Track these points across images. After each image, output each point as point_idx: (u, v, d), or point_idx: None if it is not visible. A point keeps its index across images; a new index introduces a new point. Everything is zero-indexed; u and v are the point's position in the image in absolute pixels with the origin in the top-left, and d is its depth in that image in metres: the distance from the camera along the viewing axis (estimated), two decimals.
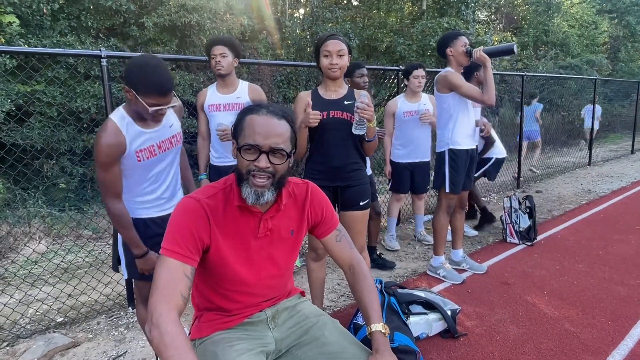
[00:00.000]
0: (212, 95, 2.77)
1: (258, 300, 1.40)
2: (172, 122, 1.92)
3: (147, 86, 1.63)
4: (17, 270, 3.76)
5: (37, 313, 2.89)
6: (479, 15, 13.26)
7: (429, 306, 2.44)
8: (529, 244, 3.94)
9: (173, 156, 1.95)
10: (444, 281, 3.16)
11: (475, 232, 4.32)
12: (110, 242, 4.50)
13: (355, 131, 2.09)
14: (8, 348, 2.39)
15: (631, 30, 19.00)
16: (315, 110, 2.13)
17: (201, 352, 1.32)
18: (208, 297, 1.38)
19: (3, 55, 5.07)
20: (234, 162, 1.27)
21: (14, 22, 5.23)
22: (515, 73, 7.79)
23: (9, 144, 4.93)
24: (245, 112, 1.27)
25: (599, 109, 10.13)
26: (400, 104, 3.67)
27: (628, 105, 14.73)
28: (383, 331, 1.31)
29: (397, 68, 4.52)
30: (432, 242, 3.40)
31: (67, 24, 5.99)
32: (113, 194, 1.74)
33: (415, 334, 2.31)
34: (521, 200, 4.08)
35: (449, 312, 2.43)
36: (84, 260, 3.90)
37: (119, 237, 1.92)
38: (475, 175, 4.22)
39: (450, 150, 3.00)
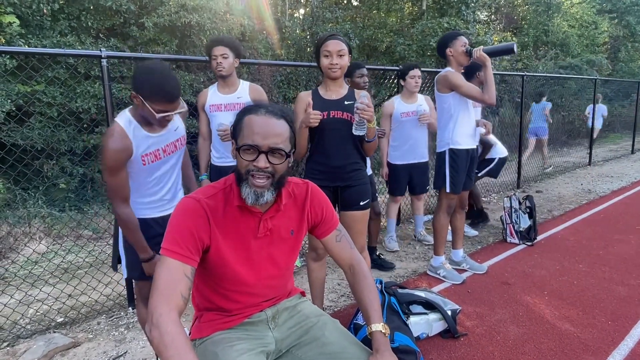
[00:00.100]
0: (213, 96, 2.77)
1: (258, 301, 1.40)
2: (177, 125, 1.92)
3: (154, 92, 1.62)
4: (17, 270, 3.76)
5: (38, 313, 2.89)
6: (479, 16, 13.26)
7: (429, 306, 2.44)
8: (529, 244, 3.94)
9: (177, 158, 1.96)
10: (444, 281, 3.16)
11: (475, 232, 4.32)
12: (111, 242, 4.50)
13: (355, 132, 2.09)
14: (8, 348, 2.39)
15: (631, 30, 19.00)
16: (315, 110, 2.13)
17: (201, 352, 1.32)
18: (208, 297, 1.38)
19: (3, 55, 5.07)
20: (235, 163, 1.27)
21: (14, 22, 5.24)
22: (515, 73, 7.79)
23: (9, 144, 4.93)
24: (244, 112, 1.27)
25: (604, 107, 10.16)
26: (397, 104, 3.65)
27: (628, 105, 14.73)
28: (383, 331, 1.31)
29: (397, 68, 4.51)
30: (432, 242, 3.40)
31: (67, 24, 6.00)
32: (121, 198, 1.74)
33: (415, 334, 2.31)
34: (521, 200, 4.08)
35: (449, 312, 2.43)
36: (84, 260, 3.90)
37: (120, 237, 1.92)
38: (479, 175, 4.23)
39: (450, 150, 3.00)
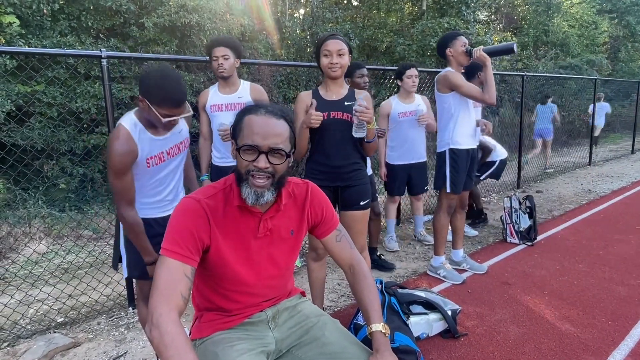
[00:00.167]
0: (213, 96, 2.77)
1: (258, 301, 1.40)
2: (181, 127, 1.93)
3: (161, 97, 1.62)
4: (17, 270, 3.76)
5: (38, 313, 2.89)
6: (479, 16, 13.27)
7: (430, 306, 2.44)
8: (529, 244, 3.94)
9: (179, 160, 1.96)
10: (445, 281, 3.16)
11: (475, 232, 4.32)
12: (111, 242, 4.50)
13: (355, 134, 2.10)
14: (9, 348, 2.39)
15: (631, 30, 19.00)
16: (316, 111, 2.13)
17: (202, 352, 1.32)
18: (208, 297, 1.38)
19: (3, 55, 5.08)
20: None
21: (14, 22, 5.24)
22: (515, 73, 7.79)
23: (10, 145, 4.93)
24: (244, 112, 1.26)
25: (607, 105, 10.19)
26: (395, 105, 3.62)
27: (628, 105, 14.73)
28: (383, 331, 1.31)
29: (397, 68, 4.52)
30: (432, 242, 3.40)
31: (67, 24, 6.00)
32: (126, 201, 1.74)
33: (415, 334, 2.31)
34: (521, 200, 4.08)
35: (449, 312, 2.43)
36: (84, 260, 3.90)
37: (121, 236, 1.93)
38: (481, 177, 4.23)
39: (451, 150, 3.00)
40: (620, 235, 4.16)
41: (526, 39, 15.39)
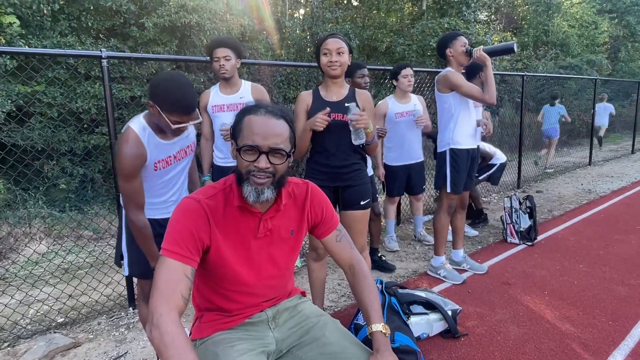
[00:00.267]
0: (215, 96, 2.77)
1: (258, 301, 1.40)
2: (189, 132, 1.93)
3: (171, 104, 1.62)
4: (17, 270, 3.76)
5: (38, 314, 2.89)
6: (479, 16, 13.27)
7: (430, 306, 2.44)
8: (529, 244, 3.94)
9: (185, 163, 1.97)
10: (445, 281, 3.16)
11: (475, 232, 4.32)
12: (111, 242, 4.50)
13: (355, 142, 2.11)
14: (9, 349, 2.39)
15: (631, 30, 19.00)
16: (315, 111, 2.13)
17: (202, 352, 1.32)
18: (208, 297, 1.38)
19: (3, 55, 5.08)
20: None
21: (14, 22, 5.25)
22: (515, 73, 7.79)
23: (10, 145, 4.93)
24: (244, 112, 1.26)
25: (611, 106, 10.23)
26: (391, 105, 3.59)
27: (628, 105, 14.73)
28: (384, 331, 1.31)
29: (392, 68, 4.51)
30: (433, 242, 3.40)
31: (68, 24, 6.01)
32: (135, 204, 1.74)
33: (416, 334, 2.31)
34: (521, 200, 4.08)
35: (449, 312, 2.43)
36: (84, 260, 3.90)
37: (124, 234, 1.93)
38: (480, 178, 4.23)
39: (451, 150, 3.00)
40: (621, 235, 4.16)
41: (526, 39, 15.39)
